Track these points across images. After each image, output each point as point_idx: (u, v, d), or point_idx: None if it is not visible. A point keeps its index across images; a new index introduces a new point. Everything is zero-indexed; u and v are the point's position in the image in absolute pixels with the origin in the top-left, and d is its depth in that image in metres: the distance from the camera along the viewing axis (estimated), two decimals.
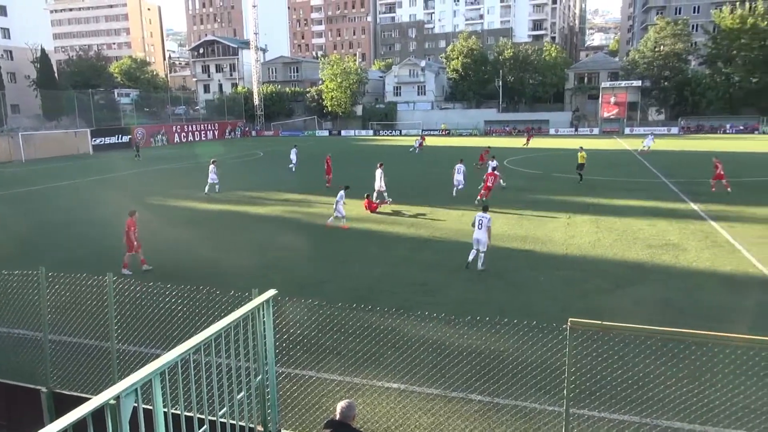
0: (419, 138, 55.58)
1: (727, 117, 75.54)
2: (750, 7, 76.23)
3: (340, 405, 5.04)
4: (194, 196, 26.43)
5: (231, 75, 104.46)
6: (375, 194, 23.25)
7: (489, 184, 23.08)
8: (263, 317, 5.39)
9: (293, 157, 35.83)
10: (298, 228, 19.28)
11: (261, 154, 52.47)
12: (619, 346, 8.04)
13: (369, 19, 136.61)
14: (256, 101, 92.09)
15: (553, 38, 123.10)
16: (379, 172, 23.83)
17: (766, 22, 75.42)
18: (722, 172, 24.73)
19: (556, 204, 22.70)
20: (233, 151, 55.41)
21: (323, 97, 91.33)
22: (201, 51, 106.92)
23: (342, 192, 19.12)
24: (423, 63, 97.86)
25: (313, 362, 8.85)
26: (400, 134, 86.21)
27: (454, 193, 25.08)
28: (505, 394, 7.70)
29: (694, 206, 21.57)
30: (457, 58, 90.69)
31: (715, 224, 18.25)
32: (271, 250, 16.03)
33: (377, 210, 21.68)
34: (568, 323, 4.95)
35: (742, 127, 72.84)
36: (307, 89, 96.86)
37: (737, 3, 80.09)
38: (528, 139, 57.04)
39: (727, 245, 15.62)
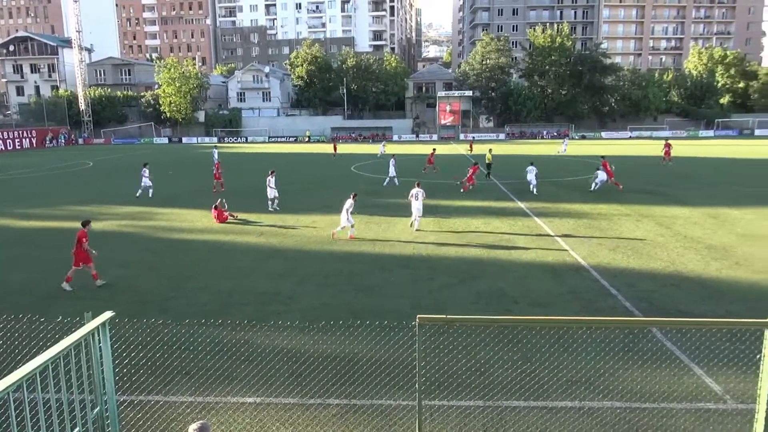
0: (382, 145, 54.62)
1: (544, 124, 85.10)
2: (557, 28, 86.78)
3: (192, 427, 4.77)
4: (9, 213, 23.28)
5: (50, 76, 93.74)
6: (269, 202, 22.92)
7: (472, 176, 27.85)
8: (99, 343, 4.91)
9: (146, 180, 27.51)
10: (138, 243, 17.88)
11: (90, 164, 47.77)
12: (462, 337, 8.62)
13: (208, 21, 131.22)
14: (82, 106, 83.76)
15: (393, 49, 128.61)
16: (270, 179, 23.10)
17: (570, 42, 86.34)
18: (610, 172, 28.16)
19: (402, 207, 23.66)
20: (54, 161, 49.77)
21: (160, 102, 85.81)
22: (11, 48, 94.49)
23: (350, 200, 17.97)
24: (267, 69, 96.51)
25: (160, 385, 8.25)
26: (246, 141, 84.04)
27: (386, 183, 29.03)
28: (361, 395, 7.85)
29: (521, 204, 23.89)
30: (302, 65, 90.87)
31: (539, 220, 20.40)
32: (108, 268, 14.67)
33: (227, 220, 20.90)
34: (417, 320, 5.20)
35: (556, 133, 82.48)
36: (142, 93, 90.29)
37: (547, 24, 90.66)
38: (371, 143, 57.23)
39: (548, 238, 17.52)
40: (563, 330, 8.54)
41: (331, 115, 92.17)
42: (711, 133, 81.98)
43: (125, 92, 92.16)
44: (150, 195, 26.94)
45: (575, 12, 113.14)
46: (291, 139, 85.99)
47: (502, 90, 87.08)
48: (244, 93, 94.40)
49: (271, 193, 22.98)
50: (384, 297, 12.22)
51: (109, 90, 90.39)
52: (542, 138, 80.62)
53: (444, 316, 5.37)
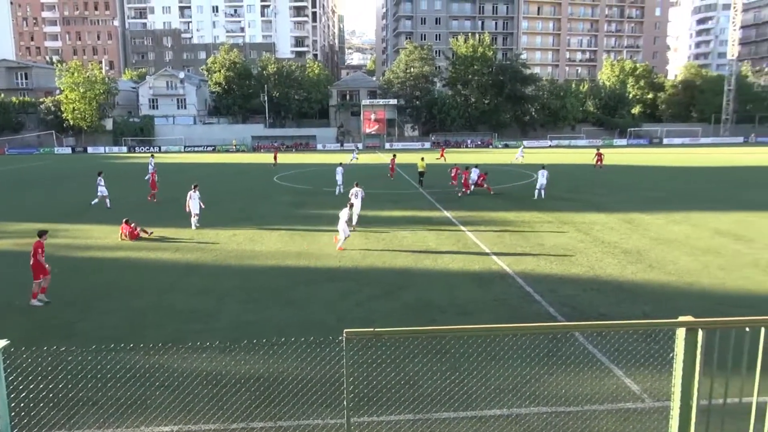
0: (354, 152, 54.21)
1: (468, 133, 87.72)
2: (479, 38, 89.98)
3: None
4: None
5: None
6: (192, 219, 21.62)
7: (457, 179, 30.54)
8: None
9: (102, 189, 27.00)
10: None
11: None
12: (391, 350, 8.67)
13: (116, 23, 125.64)
14: None
15: (316, 56, 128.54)
16: (192, 194, 21.66)
17: (491, 52, 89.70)
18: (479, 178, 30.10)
19: (328, 218, 23.58)
20: None
21: (62, 109, 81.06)
22: None
23: (346, 210, 18.14)
24: (182, 74, 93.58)
25: (64, 419, 7.72)
26: (160, 151, 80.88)
27: (336, 192, 29.52)
28: (287, 416, 7.70)
29: (446, 213, 24.43)
30: (219, 70, 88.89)
31: (464, 228, 20.94)
32: (3, 292, 13.60)
33: (138, 237, 19.94)
34: (344, 334, 5.18)
35: (480, 142, 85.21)
36: (41, 99, 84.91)
37: (469, 34, 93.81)
38: (275, 157, 53.15)
39: (474, 247, 18.02)
40: (490, 338, 8.79)
41: (252, 124, 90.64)
42: (624, 141, 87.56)
43: (21, 98, 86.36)
44: (108, 205, 26.47)
45: (496, 23, 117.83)
46: (209, 148, 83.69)
47: (426, 98, 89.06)
48: (156, 99, 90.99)
49: (195, 208, 21.70)
50: (310, 312, 12.08)
51: (2, 95, 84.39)
52: (466, 146, 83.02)
53: (371, 329, 5.37)
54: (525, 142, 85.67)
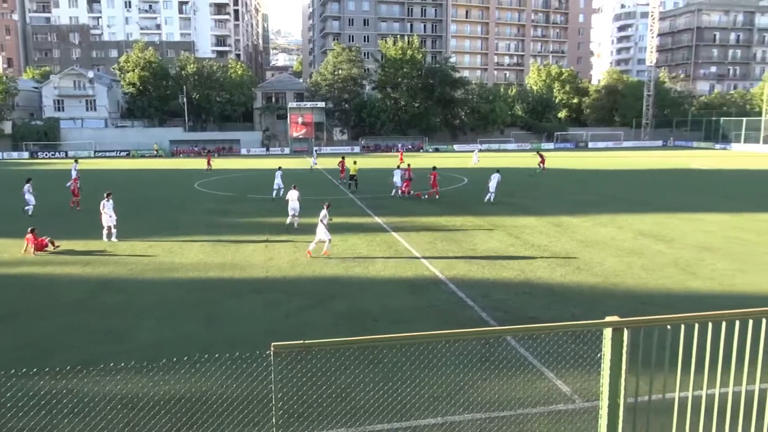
0: (314, 156, 53.41)
1: (398, 137, 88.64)
2: (408, 41, 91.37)
3: None
4: None
5: None
6: (104, 231, 20.40)
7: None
8: None
9: (28, 195, 26.34)
10: None
11: None
12: (322, 362, 8.61)
13: (15, 17, 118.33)
14: None
15: (238, 56, 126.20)
16: (105, 204, 20.38)
17: (421, 55, 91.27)
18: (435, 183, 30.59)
19: (253, 226, 23.20)
20: None
21: None
22: None
23: (325, 211, 17.82)
24: (91, 74, 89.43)
25: None
26: (66, 156, 76.73)
27: (273, 196, 29.99)
28: None
29: (377, 219, 24.59)
30: (134, 70, 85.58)
31: (396, 234, 21.15)
32: None
33: (45, 248, 18.79)
34: (272, 348, 5.09)
35: (410, 146, 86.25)
36: None
37: (398, 36, 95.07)
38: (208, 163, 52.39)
39: (406, 253, 18.23)
40: (423, 345, 8.90)
41: (170, 127, 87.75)
42: (551, 145, 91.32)
43: None
44: (30, 214, 25.73)
45: (425, 25, 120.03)
46: (123, 153, 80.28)
47: (355, 102, 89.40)
48: (62, 101, 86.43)
49: (108, 220, 20.50)
50: (235, 326, 11.81)
51: None
52: (397, 151, 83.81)
53: (301, 341, 5.31)
54: (455, 146, 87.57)
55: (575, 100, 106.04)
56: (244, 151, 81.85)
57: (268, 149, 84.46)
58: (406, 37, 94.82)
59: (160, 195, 34.68)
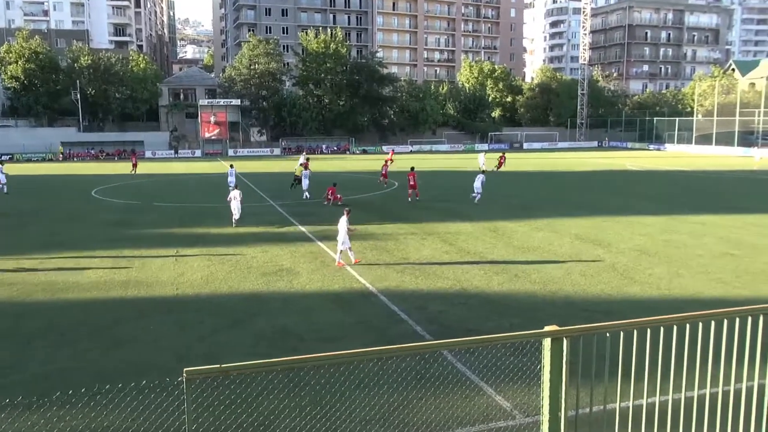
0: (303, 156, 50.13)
1: (322, 138, 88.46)
2: (331, 34, 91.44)
3: None
4: None
5: None
6: None
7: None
8: None
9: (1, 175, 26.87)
10: None
11: None
12: (242, 388, 8.44)
13: None
14: None
15: (141, 47, 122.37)
16: None
17: (345, 49, 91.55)
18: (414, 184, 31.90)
19: (161, 238, 22.48)
20: None
21: None
22: None
23: (344, 217, 17.93)
24: None
25: None
26: None
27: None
28: None
29: (302, 228, 24.42)
30: (17, 62, 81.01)
31: (322, 244, 21.06)
32: None
33: None
34: (184, 374, 4.94)
35: (336, 148, 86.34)
36: None
37: (320, 28, 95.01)
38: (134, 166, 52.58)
39: (333, 264, 18.17)
40: (353, 365, 8.89)
41: (62, 127, 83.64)
42: (486, 146, 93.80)
43: None
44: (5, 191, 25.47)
45: (349, 17, 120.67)
46: (5, 157, 75.71)
47: (274, 99, 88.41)
48: None
49: None
50: (142, 351, 11.39)
51: None
52: (321, 153, 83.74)
53: (217, 366, 5.18)
54: (384, 147, 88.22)
55: (509, 99, 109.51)
56: (149, 154, 79.09)
57: (176, 152, 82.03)
58: (328, 30, 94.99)
59: (51, 205, 32.94)
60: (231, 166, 37.25)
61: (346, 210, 18.64)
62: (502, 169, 50.63)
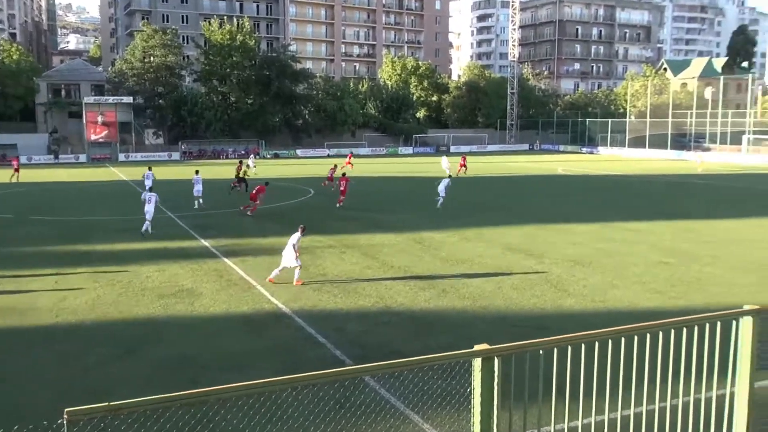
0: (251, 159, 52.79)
1: (228, 140, 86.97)
2: (238, 24, 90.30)
3: None
4: None
5: None
6: None
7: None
8: None
9: None
10: None
11: None
12: (134, 429, 8.13)
13: None
14: None
15: (13, 35, 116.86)
16: None
17: (254, 41, 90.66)
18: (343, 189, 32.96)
19: (38, 258, 21.49)
20: None
21: None
22: None
23: (298, 234, 17.91)
24: None
25: None
26: None
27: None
28: None
29: (204, 242, 23.91)
30: None
31: (228, 260, 20.70)
32: None
33: None
34: (65, 415, 4.72)
35: (244, 152, 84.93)
36: None
37: (225, 18, 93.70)
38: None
39: (241, 282, 17.89)
40: (265, 396, 8.74)
41: None
42: (410, 150, 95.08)
43: None
44: None
45: (258, 6, 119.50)
46: None
47: (172, 96, 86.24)
48: None
49: None
50: (16, 390, 10.83)
51: None
52: (227, 157, 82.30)
53: (105, 404, 4.98)
54: (299, 151, 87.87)
55: (434, 98, 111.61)
56: (24, 160, 75.09)
57: (56, 156, 78.44)
58: (235, 19, 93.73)
59: None
60: (149, 168, 38.78)
61: (301, 227, 18.37)
62: (461, 174, 51.24)
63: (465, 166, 52.55)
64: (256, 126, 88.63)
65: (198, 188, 33.22)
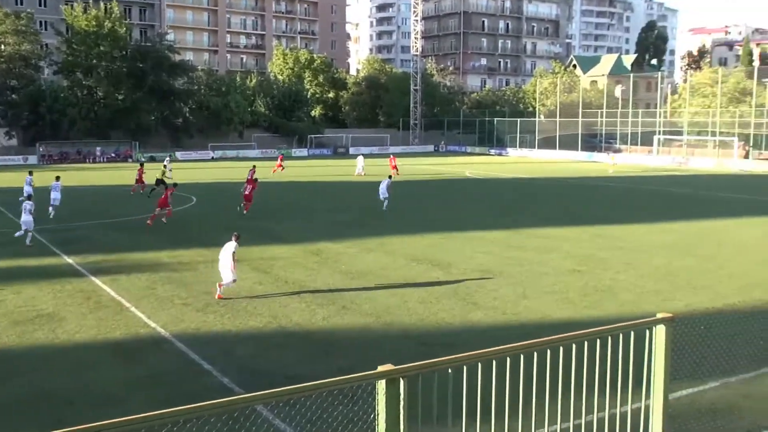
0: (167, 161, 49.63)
1: (96, 141, 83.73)
2: (106, 9, 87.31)
3: None
4: None
5: None
6: None
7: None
8: None
9: None
10: None
11: None
12: None
13: None
14: None
15: None
16: None
17: (124, 29, 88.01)
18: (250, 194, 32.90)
19: None
20: None
21: None
22: None
23: (234, 242, 17.88)
24: None
25: None
26: None
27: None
28: None
29: (68, 259, 22.94)
30: None
31: (97, 279, 19.93)
32: None
33: None
34: None
35: (114, 155, 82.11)
36: None
37: (90, 2, 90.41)
38: None
39: (113, 304, 17.27)
40: None
41: None
42: (305, 152, 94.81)
43: None
44: None
45: None
46: None
47: (29, 91, 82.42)
48: None
49: None
50: None
51: None
52: (95, 161, 79.20)
53: None
54: (179, 154, 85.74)
55: (331, 95, 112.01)
56: None
57: None
58: (102, 4, 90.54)
59: None
60: (30, 172, 37.61)
61: (235, 235, 18.29)
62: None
63: (396, 168, 52.22)
64: (129, 125, 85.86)
65: (55, 195, 31.94)
